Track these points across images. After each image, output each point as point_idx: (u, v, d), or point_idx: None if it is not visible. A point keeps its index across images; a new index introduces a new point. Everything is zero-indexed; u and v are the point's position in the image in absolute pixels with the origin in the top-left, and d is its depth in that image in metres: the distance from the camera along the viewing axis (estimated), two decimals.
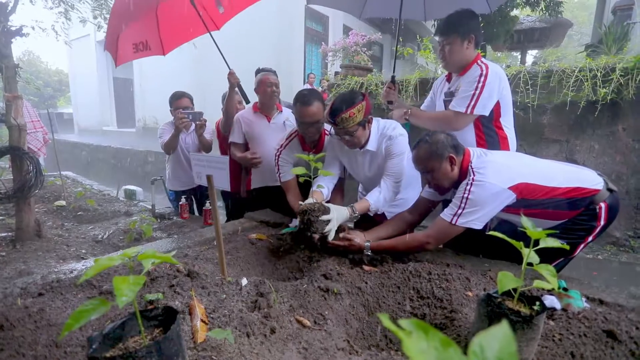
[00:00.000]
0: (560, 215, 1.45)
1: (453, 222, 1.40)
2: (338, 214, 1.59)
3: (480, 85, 1.67)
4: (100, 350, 0.73)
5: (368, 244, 1.53)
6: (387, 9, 2.76)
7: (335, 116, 1.63)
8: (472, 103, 1.69)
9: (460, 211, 1.39)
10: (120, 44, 2.42)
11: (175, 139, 2.72)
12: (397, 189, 1.79)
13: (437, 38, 1.84)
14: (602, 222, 1.45)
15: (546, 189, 1.40)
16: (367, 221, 2.03)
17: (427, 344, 0.34)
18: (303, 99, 1.85)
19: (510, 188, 1.36)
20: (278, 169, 2.08)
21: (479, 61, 1.77)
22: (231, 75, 2.25)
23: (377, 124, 1.81)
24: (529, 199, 1.40)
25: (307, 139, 2.02)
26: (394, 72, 2.40)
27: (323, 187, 1.86)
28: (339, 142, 1.82)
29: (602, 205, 1.43)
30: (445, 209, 1.45)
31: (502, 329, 0.33)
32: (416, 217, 1.72)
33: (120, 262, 0.71)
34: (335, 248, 1.56)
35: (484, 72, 1.68)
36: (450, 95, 1.85)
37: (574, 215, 1.45)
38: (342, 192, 2.10)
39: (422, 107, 2.19)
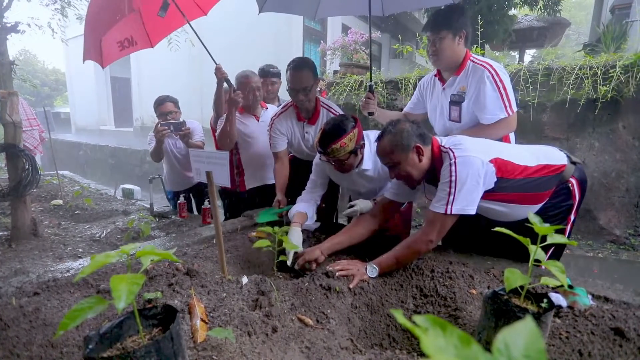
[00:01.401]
0: (536, 198, 1.42)
1: (448, 212, 1.27)
2: (363, 205, 1.66)
3: (501, 86, 1.63)
4: (97, 350, 0.71)
5: (374, 269, 1.37)
6: (341, 8, 2.74)
7: (325, 147, 1.55)
8: (507, 104, 1.64)
9: (452, 198, 1.27)
10: (104, 46, 2.36)
11: (159, 150, 2.70)
12: None
13: (427, 34, 1.75)
14: (577, 198, 1.44)
15: (520, 168, 1.35)
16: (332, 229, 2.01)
17: (445, 342, 0.32)
18: (293, 65, 1.93)
19: (490, 161, 1.30)
20: (270, 138, 2.13)
21: (472, 57, 1.72)
22: (218, 70, 2.21)
23: (369, 141, 1.72)
24: (507, 179, 1.34)
25: (299, 106, 2.04)
26: (371, 80, 2.36)
27: (306, 211, 1.77)
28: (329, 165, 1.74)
29: (573, 181, 1.42)
30: (433, 200, 1.35)
31: (527, 325, 0.31)
32: (381, 221, 1.62)
33: (117, 259, 0.69)
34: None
35: (494, 72, 1.64)
36: (458, 98, 1.76)
37: (550, 197, 1.42)
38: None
39: (407, 109, 2.12)
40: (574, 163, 1.46)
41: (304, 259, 1.45)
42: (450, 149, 1.33)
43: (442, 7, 1.75)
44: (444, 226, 1.33)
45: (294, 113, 2.11)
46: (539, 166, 1.38)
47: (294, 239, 1.60)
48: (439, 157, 1.38)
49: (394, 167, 1.41)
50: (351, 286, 1.29)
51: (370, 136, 1.76)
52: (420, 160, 1.38)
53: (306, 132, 2.12)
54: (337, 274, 1.34)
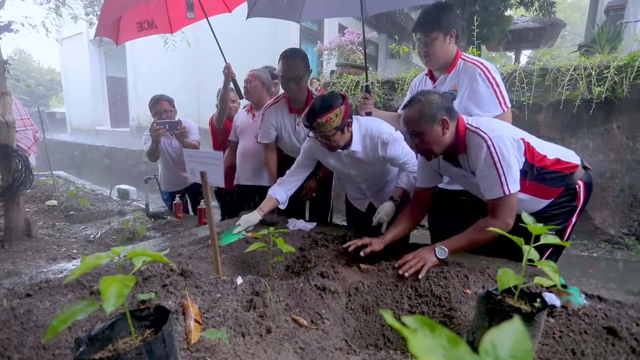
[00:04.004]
0: (548, 193, 1.43)
1: (507, 193, 1.28)
2: (384, 211, 1.72)
3: (493, 82, 1.64)
4: (89, 352, 0.70)
5: (443, 250, 1.37)
6: (324, 10, 2.76)
7: (311, 120, 1.57)
8: (502, 100, 1.65)
9: (504, 178, 1.27)
10: (122, 23, 2.40)
11: (155, 149, 2.69)
12: (416, 169, 1.80)
13: (417, 36, 1.75)
14: (582, 201, 1.46)
15: (540, 155, 1.36)
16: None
17: (433, 342, 0.32)
18: (285, 54, 1.97)
19: (520, 139, 1.31)
20: (260, 128, 2.19)
21: (463, 56, 1.72)
22: (227, 69, 2.22)
23: (358, 124, 1.75)
24: (531, 164, 1.34)
25: (290, 97, 2.07)
26: (367, 80, 2.37)
27: (276, 196, 1.84)
28: (318, 144, 1.77)
29: (580, 183, 1.45)
30: (484, 190, 1.34)
31: (515, 325, 0.31)
32: (422, 211, 1.66)
33: (108, 260, 0.68)
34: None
35: (486, 69, 1.65)
36: (450, 96, 1.74)
37: (557, 195, 1.44)
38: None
39: (401, 110, 2.11)
40: (584, 168, 1.48)
41: (356, 244, 1.53)
42: (479, 129, 1.32)
43: (431, 7, 1.73)
44: (511, 205, 1.32)
45: (285, 105, 2.13)
46: (555, 159, 1.39)
47: (247, 218, 1.74)
48: (463, 136, 1.37)
49: (417, 136, 1.40)
50: (420, 276, 1.30)
51: (360, 120, 1.78)
52: (444, 134, 1.36)
53: (297, 124, 2.12)
54: (405, 274, 1.32)
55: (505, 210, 1.32)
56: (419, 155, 1.57)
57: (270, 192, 1.85)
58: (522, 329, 0.30)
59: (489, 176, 1.30)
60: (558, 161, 1.40)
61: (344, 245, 1.56)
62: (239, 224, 1.70)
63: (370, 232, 1.74)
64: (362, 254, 1.49)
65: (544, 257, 1.51)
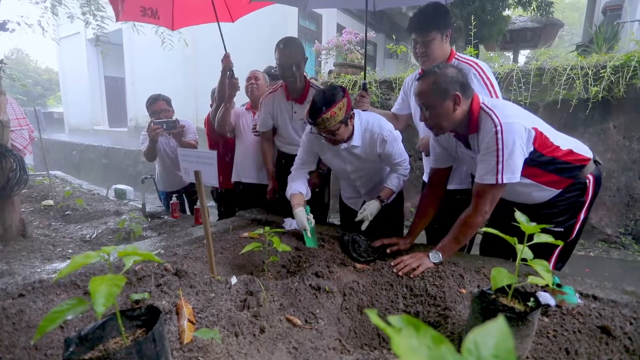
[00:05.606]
0: (557, 183, 1.41)
1: (499, 181, 1.25)
2: (369, 210, 1.71)
3: (488, 83, 1.64)
4: (79, 352, 0.69)
5: (437, 254, 1.41)
6: (332, 0, 2.75)
7: (315, 117, 1.54)
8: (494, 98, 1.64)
9: (501, 167, 1.24)
10: (127, 1, 2.33)
11: (153, 149, 2.69)
12: (407, 172, 1.83)
13: (413, 36, 1.73)
14: (590, 195, 1.44)
15: (552, 146, 1.33)
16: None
17: (417, 342, 0.32)
18: (281, 42, 2.01)
19: (532, 128, 1.29)
20: (258, 116, 2.23)
21: (457, 56, 1.72)
22: (225, 58, 2.22)
23: (360, 118, 1.74)
24: (540, 153, 1.32)
25: (288, 85, 2.09)
26: (365, 79, 2.37)
27: (300, 190, 1.84)
28: (317, 138, 1.76)
29: (590, 177, 1.42)
30: (479, 172, 1.32)
31: (498, 324, 0.30)
32: (441, 188, 1.63)
33: (98, 259, 0.67)
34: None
35: (480, 69, 1.64)
36: None
37: (565, 186, 1.41)
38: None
39: (394, 109, 2.12)
40: (596, 162, 1.46)
41: (382, 242, 1.59)
42: (493, 111, 1.29)
43: (426, 7, 1.71)
44: (495, 196, 1.32)
45: (282, 93, 2.15)
46: (568, 151, 1.37)
47: (303, 219, 1.70)
48: (476, 116, 1.33)
49: (427, 109, 1.36)
50: (412, 275, 1.35)
51: (362, 115, 1.77)
52: (454, 110, 1.31)
53: (294, 112, 2.13)
54: (400, 272, 1.37)
55: (487, 199, 1.32)
56: (431, 135, 1.55)
57: (291, 191, 1.83)
58: (505, 328, 0.30)
59: (487, 160, 1.28)
60: (570, 152, 1.38)
61: (374, 244, 1.60)
62: (305, 228, 1.68)
63: (359, 228, 1.74)
64: (388, 251, 1.56)
65: (551, 262, 1.50)
